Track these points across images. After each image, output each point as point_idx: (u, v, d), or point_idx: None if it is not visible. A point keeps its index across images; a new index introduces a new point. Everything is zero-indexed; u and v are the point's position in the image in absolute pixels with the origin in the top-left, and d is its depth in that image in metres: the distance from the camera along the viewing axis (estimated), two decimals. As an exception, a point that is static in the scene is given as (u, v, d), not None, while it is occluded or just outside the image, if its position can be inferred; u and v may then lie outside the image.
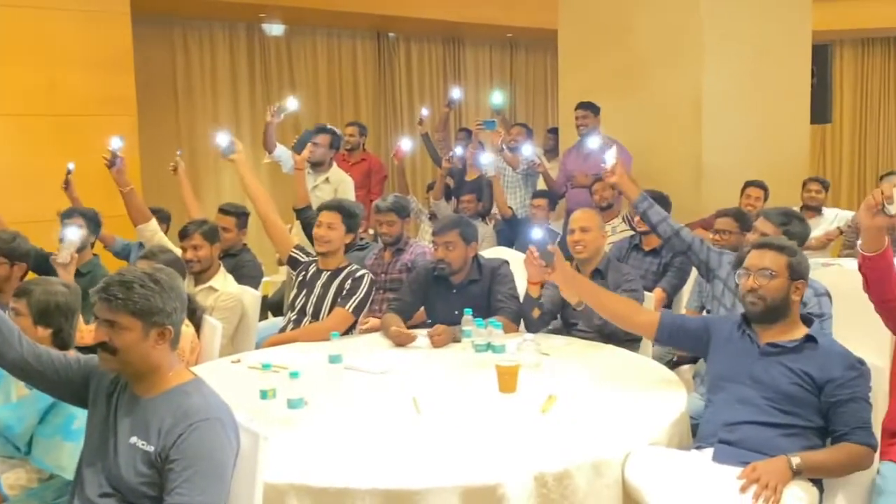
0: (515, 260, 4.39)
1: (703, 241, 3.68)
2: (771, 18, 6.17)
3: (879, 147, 11.15)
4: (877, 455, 2.41)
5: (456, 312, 3.50)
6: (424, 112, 7.30)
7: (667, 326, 2.79)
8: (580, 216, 3.73)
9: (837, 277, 2.79)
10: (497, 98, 6.83)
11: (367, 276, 3.72)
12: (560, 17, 6.77)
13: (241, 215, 4.57)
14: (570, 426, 2.41)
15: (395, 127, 9.92)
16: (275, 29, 9.10)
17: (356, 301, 3.64)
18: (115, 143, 4.45)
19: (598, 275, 3.63)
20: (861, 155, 11.17)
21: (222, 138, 4.03)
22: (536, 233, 3.17)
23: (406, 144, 6.53)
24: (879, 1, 9.61)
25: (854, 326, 2.98)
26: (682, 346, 2.83)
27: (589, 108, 5.99)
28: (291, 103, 5.16)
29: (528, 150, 6.16)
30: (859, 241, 2.59)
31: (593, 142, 5.13)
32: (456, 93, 7.20)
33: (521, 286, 3.82)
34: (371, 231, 5.21)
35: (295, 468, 2.12)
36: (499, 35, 10.30)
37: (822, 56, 6.88)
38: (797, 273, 2.57)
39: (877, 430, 2.47)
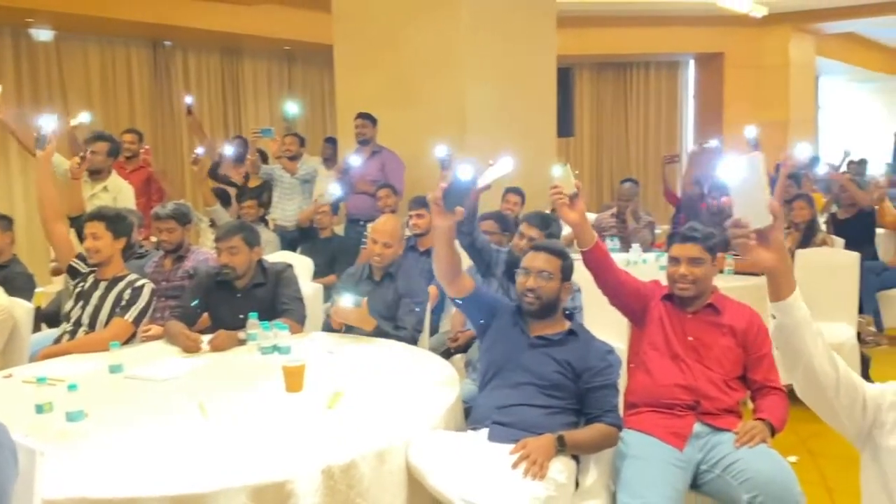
0: (299, 264, 4.33)
1: (489, 242, 3.83)
2: (522, 43, 6.51)
3: (613, 158, 12.17)
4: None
5: (241, 316, 3.39)
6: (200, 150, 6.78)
7: (475, 293, 2.79)
8: (384, 230, 3.66)
9: (583, 271, 3.01)
10: (291, 108, 6.71)
11: (147, 285, 3.50)
12: (335, 32, 6.75)
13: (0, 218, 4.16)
14: (355, 419, 2.40)
15: (172, 135, 9.45)
16: (43, 34, 8.37)
17: (136, 311, 3.41)
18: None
19: (389, 278, 3.66)
20: (599, 164, 12.12)
21: (48, 122, 3.61)
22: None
23: (201, 150, 6.24)
24: (611, 31, 10.49)
25: (599, 313, 3.22)
26: (475, 314, 2.84)
27: (367, 119, 6.07)
28: (83, 117, 4.86)
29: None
30: (575, 241, 2.80)
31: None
32: (188, 99, 6.95)
33: (306, 288, 3.77)
34: (153, 238, 4.91)
35: (76, 482, 1.94)
36: (276, 48, 10.12)
37: (565, 77, 7.36)
38: (567, 275, 2.74)
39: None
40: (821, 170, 7.96)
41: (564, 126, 7.31)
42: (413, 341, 3.46)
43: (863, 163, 9.78)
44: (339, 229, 6.17)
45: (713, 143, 6.89)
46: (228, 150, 6.59)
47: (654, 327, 2.81)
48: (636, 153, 12.18)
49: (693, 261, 2.79)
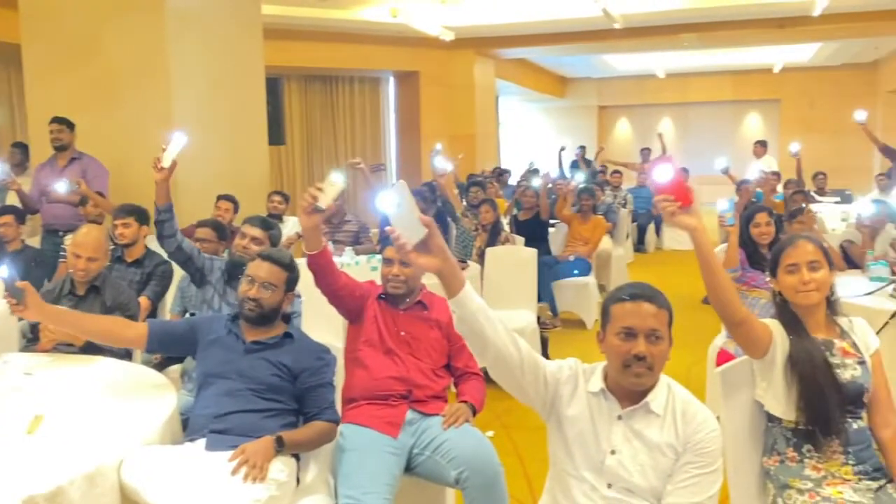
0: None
1: (200, 250, 3.64)
2: (230, 52, 6.32)
3: (324, 166, 12.22)
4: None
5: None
6: None
7: (155, 335, 2.64)
8: (87, 242, 3.33)
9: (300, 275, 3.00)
10: None
11: None
12: (23, 31, 6.02)
13: None
14: (60, 443, 2.15)
15: None
16: None
17: None
18: None
19: (94, 291, 3.33)
20: (310, 172, 12.11)
21: None
22: None
23: None
24: (317, 45, 10.53)
25: (316, 313, 3.22)
26: (171, 350, 2.73)
27: (63, 123, 5.49)
28: None
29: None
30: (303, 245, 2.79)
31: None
32: None
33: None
34: None
35: None
36: (-49, 44, 8.78)
37: (274, 88, 7.26)
38: (292, 286, 2.69)
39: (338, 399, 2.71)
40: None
41: (275, 134, 7.22)
42: (127, 355, 3.20)
43: (536, 172, 10.82)
44: (35, 241, 5.52)
45: (438, 147, 7.34)
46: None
47: (369, 325, 2.87)
48: (345, 162, 12.35)
49: (404, 262, 2.89)
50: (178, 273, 3.94)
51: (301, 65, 10.77)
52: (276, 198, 6.37)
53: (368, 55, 11.15)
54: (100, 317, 2.66)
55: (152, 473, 2.08)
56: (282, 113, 7.65)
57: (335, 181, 2.53)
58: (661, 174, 1.92)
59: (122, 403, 2.52)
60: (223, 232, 4.32)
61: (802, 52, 14.91)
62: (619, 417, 1.94)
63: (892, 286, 3.83)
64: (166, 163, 3.35)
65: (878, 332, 2.44)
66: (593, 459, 1.94)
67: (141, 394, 2.61)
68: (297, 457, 2.45)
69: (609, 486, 1.92)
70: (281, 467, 2.28)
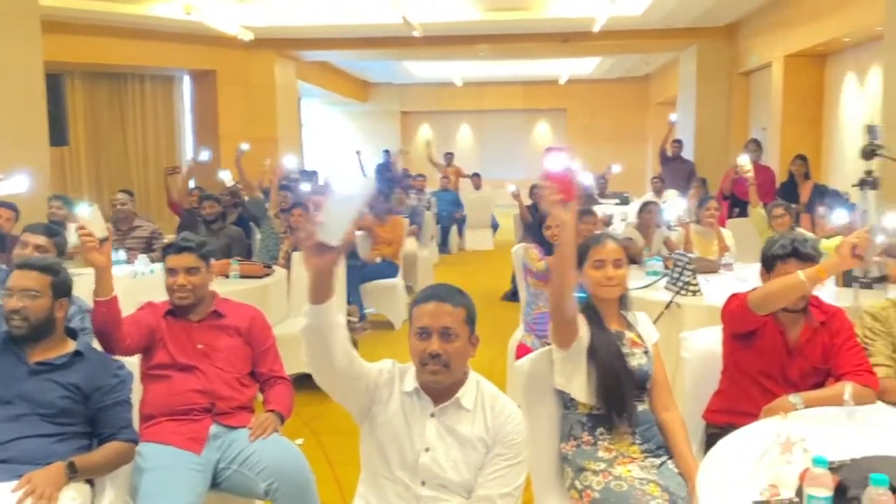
0: None
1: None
2: (2, 46, 5.73)
3: (112, 168, 11.40)
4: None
5: None
6: None
7: None
8: None
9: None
10: None
11: None
12: None
13: None
14: None
15: None
16: None
17: None
18: None
19: None
20: (97, 174, 11.25)
21: None
22: None
23: None
24: (103, 41, 9.78)
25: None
26: None
27: None
28: None
29: None
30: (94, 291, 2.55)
31: None
32: None
33: None
34: None
35: None
36: None
37: (55, 85, 6.68)
38: (60, 291, 2.41)
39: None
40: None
41: (57, 134, 6.64)
42: None
43: (313, 175, 10.75)
44: None
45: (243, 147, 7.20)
46: None
47: (162, 346, 2.68)
48: (136, 164, 11.59)
49: (190, 270, 2.73)
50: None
51: (86, 61, 9.97)
52: (56, 203, 5.83)
53: (160, 52, 10.55)
54: None
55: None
56: (64, 112, 7.04)
57: (84, 214, 2.50)
58: (554, 162, 1.93)
59: None
60: (3, 243, 3.90)
61: (585, 66, 16.09)
62: (432, 415, 1.98)
63: (665, 279, 4.22)
64: None
65: (654, 322, 2.67)
66: (407, 459, 1.96)
67: None
68: (91, 482, 2.26)
69: (423, 483, 1.95)
70: (73, 495, 2.11)
